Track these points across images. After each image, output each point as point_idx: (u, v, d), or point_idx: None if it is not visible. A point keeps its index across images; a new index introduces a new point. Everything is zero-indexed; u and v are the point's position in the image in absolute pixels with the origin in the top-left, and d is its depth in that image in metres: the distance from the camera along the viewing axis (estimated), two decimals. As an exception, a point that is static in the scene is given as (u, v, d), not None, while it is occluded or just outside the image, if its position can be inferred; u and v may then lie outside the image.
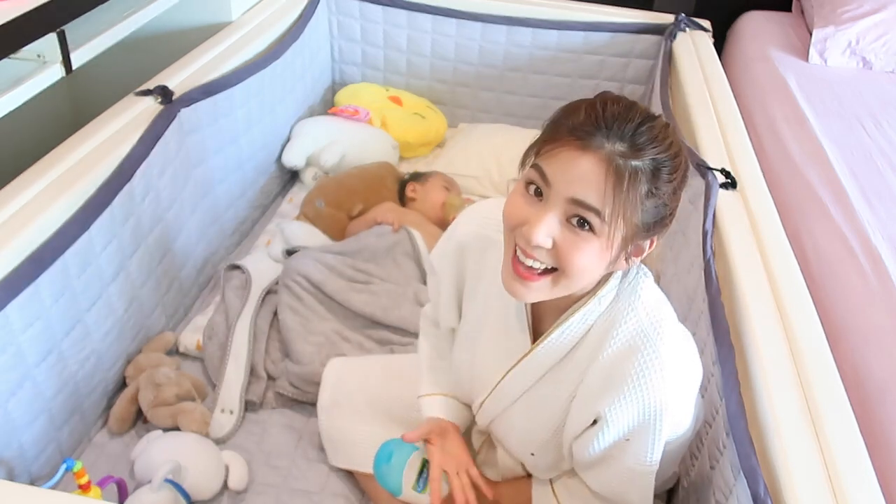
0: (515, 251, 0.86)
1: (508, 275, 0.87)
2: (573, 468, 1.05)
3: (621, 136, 0.78)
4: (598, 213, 0.79)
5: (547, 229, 0.81)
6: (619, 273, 0.92)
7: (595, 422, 0.94)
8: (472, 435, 1.24)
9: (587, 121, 0.79)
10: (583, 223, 0.81)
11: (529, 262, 0.84)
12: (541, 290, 0.86)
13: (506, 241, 0.88)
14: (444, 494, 1.10)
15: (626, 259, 0.86)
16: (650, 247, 0.87)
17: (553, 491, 1.09)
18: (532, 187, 0.84)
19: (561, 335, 0.95)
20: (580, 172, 0.79)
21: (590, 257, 0.82)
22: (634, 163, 0.78)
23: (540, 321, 1.00)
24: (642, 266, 0.94)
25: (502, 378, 1.04)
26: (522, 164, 0.87)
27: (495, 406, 1.07)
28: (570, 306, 0.94)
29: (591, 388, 0.94)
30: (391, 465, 1.14)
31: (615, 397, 0.90)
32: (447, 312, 1.16)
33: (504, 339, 1.03)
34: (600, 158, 0.78)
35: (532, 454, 1.07)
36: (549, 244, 0.82)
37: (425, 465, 1.13)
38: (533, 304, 0.99)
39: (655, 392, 0.88)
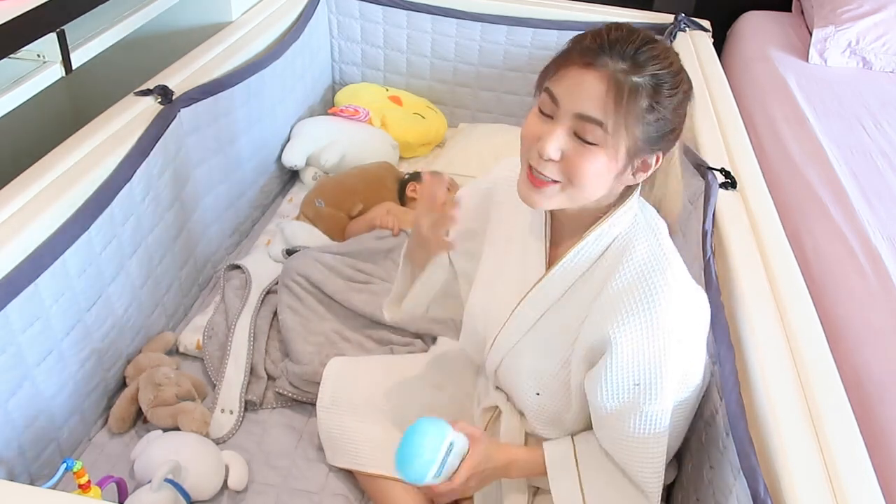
0: (529, 168, 0.93)
1: (524, 184, 0.94)
2: (574, 424, 1.07)
3: (623, 55, 0.86)
4: (600, 124, 0.86)
5: (556, 142, 0.89)
6: (633, 202, 0.98)
7: (604, 354, 0.96)
8: (475, 410, 1.25)
9: (592, 43, 0.88)
10: (587, 135, 0.87)
11: (543, 176, 0.91)
12: (553, 197, 0.93)
13: (522, 160, 0.95)
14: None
15: (634, 173, 0.93)
16: (656, 162, 0.93)
17: (573, 442, 1.09)
18: (545, 108, 0.91)
19: (575, 256, 0.99)
20: (584, 89, 0.86)
21: (595, 167, 0.89)
22: (635, 78, 0.85)
23: (557, 247, 1.04)
24: (658, 215, 1.01)
25: (517, 305, 1.06)
26: (536, 89, 0.94)
27: (507, 340, 1.09)
28: (586, 229, 0.99)
29: (601, 310, 0.97)
30: (424, 446, 1.04)
31: (623, 318, 0.94)
32: (460, 254, 1.20)
33: (522, 271, 1.07)
34: (602, 75, 0.85)
35: (538, 394, 1.08)
36: (558, 156, 0.89)
37: (450, 451, 1.06)
38: (553, 230, 1.05)
39: (662, 314, 0.93)
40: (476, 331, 1.17)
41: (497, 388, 1.20)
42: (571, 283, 1.02)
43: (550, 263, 1.04)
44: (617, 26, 0.90)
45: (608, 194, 0.95)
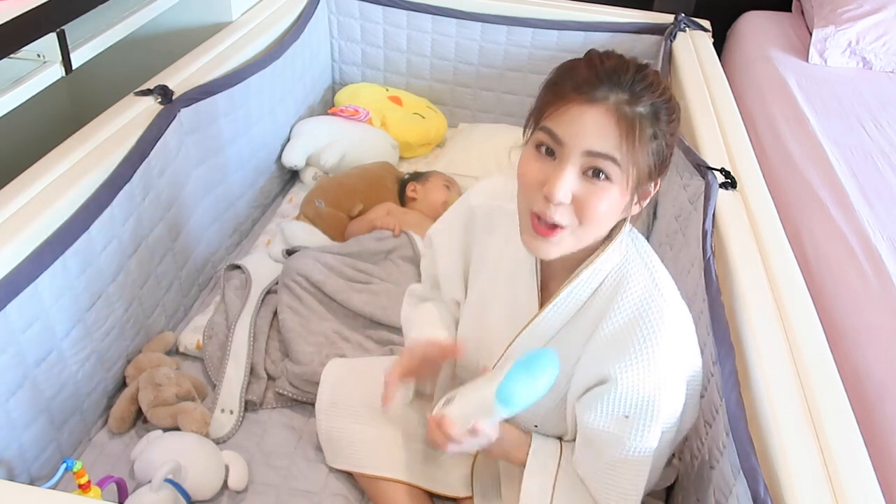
0: (533, 216, 0.89)
1: (529, 235, 0.90)
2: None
3: (621, 85, 0.83)
4: (614, 160, 0.83)
5: (567, 184, 0.85)
6: (624, 233, 0.96)
7: (602, 383, 0.96)
8: None
9: (590, 75, 0.84)
10: (598, 173, 0.85)
11: (550, 222, 0.87)
12: (563, 242, 0.89)
13: (520, 204, 0.91)
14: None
15: (638, 202, 0.91)
16: (654, 188, 0.92)
17: (560, 445, 1.08)
18: (543, 147, 0.87)
19: (569, 295, 0.97)
20: (591, 125, 0.83)
21: (609, 204, 0.86)
22: (638, 109, 0.83)
23: (548, 284, 1.02)
24: (635, 230, 0.99)
25: (510, 344, 1.04)
26: (526, 128, 0.91)
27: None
28: (578, 265, 0.96)
29: (597, 349, 0.96)
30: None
31: (623, 359, 0.92)
32: (451, 285, 1.17)
33: (513, 306, 1.05)
34: (608, 109, 0.83)
35: (536, 426, 1.08)
36: (569, 199, 0.86)
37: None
38: (543, 267, 1.02)
39: (660, 353, 0.92)
40: (470, 360, 1.16)
41: None
42: (565, 322, 1.00)
43: (543, 301, 1.02)
44: (607, 55, 0.87)
45: (606, 231, 0.93)
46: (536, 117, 0.89)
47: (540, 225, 0.88)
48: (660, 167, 0.89)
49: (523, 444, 1.09)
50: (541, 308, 1.01)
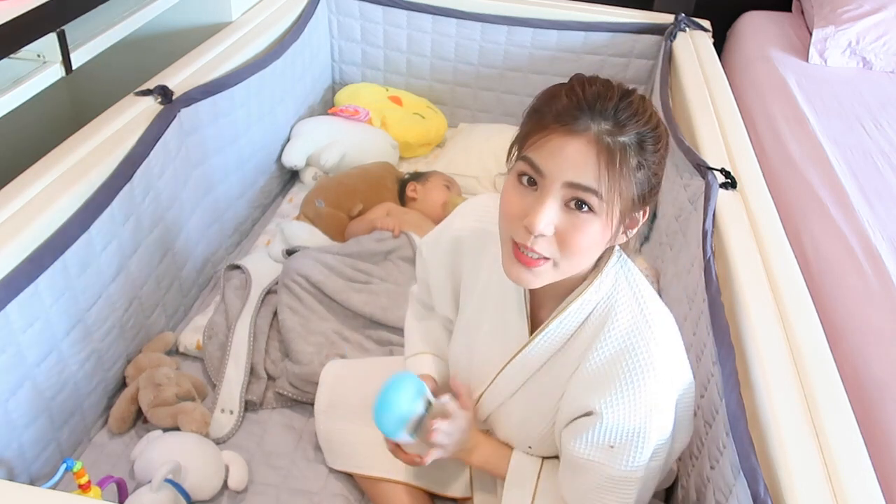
0: (515, 244, 0.87)
1: (511, 263, 0.88)
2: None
3: (604, 115, 0.80)
4: (595, 192, 0.81)
5: (548, 217, 0.83)
6: (614, 260, 0.94)
7: (587, 414, 0.95)
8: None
9: (570, 105, 0.81)
10: (581, 205, 0.82)
11: (533, 255, 0.85)
12: (545, 274, 0.87)
13: (502, 232, 0.89)
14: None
15: (624, 232, 0.88)
16: (643, 217, 0.89)
17: (542, 462, 1.08)
18: (525, 178, 0.85)
19: (559, 325, 0.96)
20: (572, 156, 0.80)
21: (592, 237, 0.84)
22: (621, 139, 0.80)
23: (538, 311, 1.01)
24: (625, 257, 0.97)
25: (500, 371, 1.04)
26: (509, 157, 0.89)
27: (493, 399, 1.08)
28: (567, 294, 0.95)
29: (585, 379, 0.95)
30: (399, 399, 1.04)
31: (608, 394, 0.91)
32: (442, 303, 1.17)
33: (502, 332, 1.04)
34: (589, 140, 0.80)
35: (529, 447, 1.08)
36: (550, 231, 0.83)
37: (427, 409, 1.07)
38: (532, 294, 1.00)
39: (646, 388, 0.90)
40: (462, 381, 1.15)
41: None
42: (554, 352, 0.99)
43: (532, 328, 1.01)
44: (590, 81, 0.84)
45: (591, 261, 0.92)
46: (520, 145, 0.86)
47: (521, 254, 0.86)
48: (646, 196, 0.86)
49: (503, 458, 1.09)
50: (531, 336, 1.00)
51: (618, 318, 0.93)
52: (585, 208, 0.82)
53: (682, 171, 1.53)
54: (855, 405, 0.97)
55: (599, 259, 0.93)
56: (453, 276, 1.13)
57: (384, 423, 1.05)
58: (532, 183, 0.84)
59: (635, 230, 0.90)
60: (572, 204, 0.83)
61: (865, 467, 0.88)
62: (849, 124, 2.21)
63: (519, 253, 0.86)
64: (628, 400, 0.90)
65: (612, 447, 0.92)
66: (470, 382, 1.12)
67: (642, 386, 0.90)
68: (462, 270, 1.11)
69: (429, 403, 1.06)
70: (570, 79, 0.86)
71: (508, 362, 1.03)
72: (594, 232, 0.84)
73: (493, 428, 1.13)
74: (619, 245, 0.94)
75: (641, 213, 0.89)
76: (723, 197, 1.35)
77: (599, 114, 0.80)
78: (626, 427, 0.91)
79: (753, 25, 2.83)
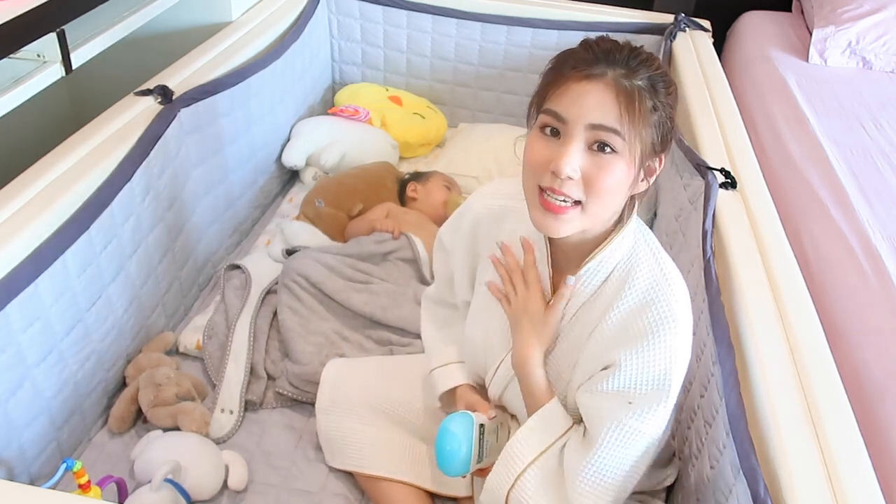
0: (541, 192, 0.89)
1: (538, 212, 0.90)
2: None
3: (618, 62, 0.86)
4: (617, 132, 0.85)
5: (574, 159, 0.86)
6: (633, 222, 0.96)
7: (606, 368, 0.95)
8: None
9: (586, 55, 0.87)
10: (604, 147, 0.86)
11: (559, 200, 0.88)
12: (573, 221, 0.89)
13: (527, 187, 0.91)
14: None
15: (644, 179, 0.92)
16: (660, 165, 0.93)
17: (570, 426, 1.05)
18: (547, 129, 0.88)
19: (580, 285, 0.98)
20: (593, 100, 0.85)
21: (617, 177, 0.87)
22: (636, 82, 0.85)
23: (558, 277, 1.02)
24: (643, 223, 1.00)
25: None
26: (529, 117, 0.92)
27: (509, 371, 1.07)
28: (587, 255, 0.97)
29: (604, 336, 0.96)
30: (460, 442, 1.04)
31: (630, 345, 0.92)
32: (462, 287, 1.18)
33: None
34: (607, 83, 0.85)
35: None
36: (577, 174, 0.86)
37: (482, 434, 1.07)
38: (553, 259, 1.02)
39: (667, 342, 0.92)
40: (476, 360, 1.16)
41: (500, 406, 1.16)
42: (574, 313, 1.00)
43: (552, 293, 1.02)
44: (601, 39, 0.90)
45: (615, 211, 0.93)
46: (538, 103, 0.90)
47: (548, 200, 0.88)
48: (662, 141, 0.89)
49: (543, 396, 1.04)
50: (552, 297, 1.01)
51: (638, 277, 0.95)
52: (608, 150, 0.86)
53: (681, 171, 1.53)
54: (855, 405, 0.97)
55: (619, 221, 0.96)
56: (471, 256, 1.14)
57: (452, 472, 1.05)
58: (555, 133, 0.88)
59: (653, 179, 0.93)
60: (595, 147, 0.86)
61: (865, 467, 0.88)
62: (849, 124, 2.21)
63: (545, 200, 0.89)
64: (650, 351, 0.92)
65: (630, 402, 0.93)
66: (485, 361, 1.13)
67: (664, 337, 0.91)
68: (479, 249, 1.13)
69: (481, 428, 1.06)
70: (581, 41, 0.91)
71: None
72: (619, 172, 0.86)
73: (507, 403, 1.13)
74: (637, 199, 0.95)
75: (658, 161, 0.92)
76: (723, 197, 1.35)
77: (613, 61, 0.86)
78: (647, 378, 0.92)
79: (753, 25, 2.83)
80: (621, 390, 0.93)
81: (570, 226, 0.90)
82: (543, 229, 0.92)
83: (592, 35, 0.92)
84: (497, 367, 1.10)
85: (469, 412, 1.07)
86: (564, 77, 0.87)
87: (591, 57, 0.86)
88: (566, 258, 1.00)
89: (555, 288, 1.03)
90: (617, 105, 0.84)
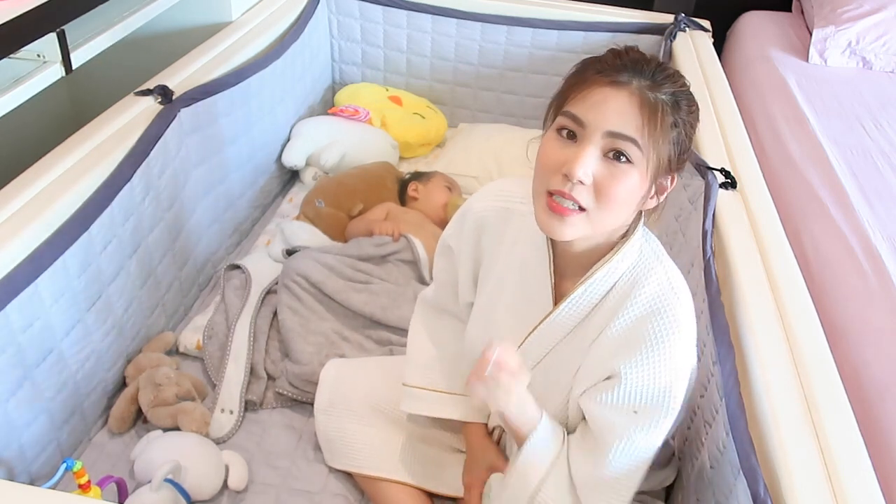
0: (549, 195, 0.88)
1: (544, 214, 0.89)
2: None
3: (644, 73, 0.85)
4: (636, 142, 0.84)
5: (589, 164, 0.85)
6: (640, 233, 0.96)
7: (609, 378, 0.95)
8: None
9: (613, 62, 0.86)
10: (619, 155, 0.85)
11: (566, 203, 0.87)
12: (577, 225, 0.88)
13: (537, 188, 0.90)
14: None
15: (654, 195, 0.91)
16: (671, 184, 0.92)
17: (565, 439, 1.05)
18: (564, 132, 0.87)
19: (584, 293, 0.97)
20: (615, 107, 0.84)
21: (628, 188, 0.86)
22: (660, 95, 0.85)
23: (561, 283, 1.01)
24: (649, 231, 0.98)
25: (523, 342, 1.04)
26: (546, 118, 0.91)
27: None
28: (593, 264, 0.96)
29: (607, 345, 0.95)
30: None
31: (632, 356, 0.92)
32: (466, 288, 1.17)
33: (524, 306, 1.05)
34: (631, 92, 0.84)
35: None
36: (589, 179, 0.85)
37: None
38: (556, 265, 1.01)
39: (671, 355, 0.91)
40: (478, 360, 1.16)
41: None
42: (579, 320, 0.99)
43: (556, 300, 1.01)
44: (630, 48, 0.89)
45: (623, 223, 0.93)
46: (558, 105, 0.89)
47: (555, 203, 0.87)
48: (678, 159, 0.89)
49: (531, 422, 1.03)
50: (555, 306, 1.01)
51: (644, 286, 0.94)
52: (624, 159, 0.85)
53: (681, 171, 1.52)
54: (855, 405, 0.97)
55: (626, 231, 0.95)
56: (475, 258, 1.14)
57: None
58: (571, 136, 0.87)
59: (663, 197, 0.92)
60: (611, 155, 0.85)
61: (865, 467, 0.88)
62: (849, 124, 2.21)
63: (553, 203, 0.87)
64: (654, 361, 0.91)
65: (635, 412, 0.93)
66: None
67: (668, 347, 0.91)
68: (483, 251, 1.12)
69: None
70: (608, 49, 0.90)
71: (531, 332, 1.03)
72: (632, 184, 0.86)
73: None
74: (645, 215, 0.95)
75: (670, 179, 0.91)
76: (723, 197, 1.35)
77: (640, 72, 0.85)
78: (652, 389, 0.92)
79: (753, 25, 2.83)
80: (626, 400, 0.93)
81: (574, 229, 0.89)
82: (548, 231, 0.90)
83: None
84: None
85: None
86: (588, 81, 0.86)
87: (619, 64, 0.86)
88: (570, 266, 0.99)
89: (557, 294, 1.02)
90: (639, 115, 0.83)
